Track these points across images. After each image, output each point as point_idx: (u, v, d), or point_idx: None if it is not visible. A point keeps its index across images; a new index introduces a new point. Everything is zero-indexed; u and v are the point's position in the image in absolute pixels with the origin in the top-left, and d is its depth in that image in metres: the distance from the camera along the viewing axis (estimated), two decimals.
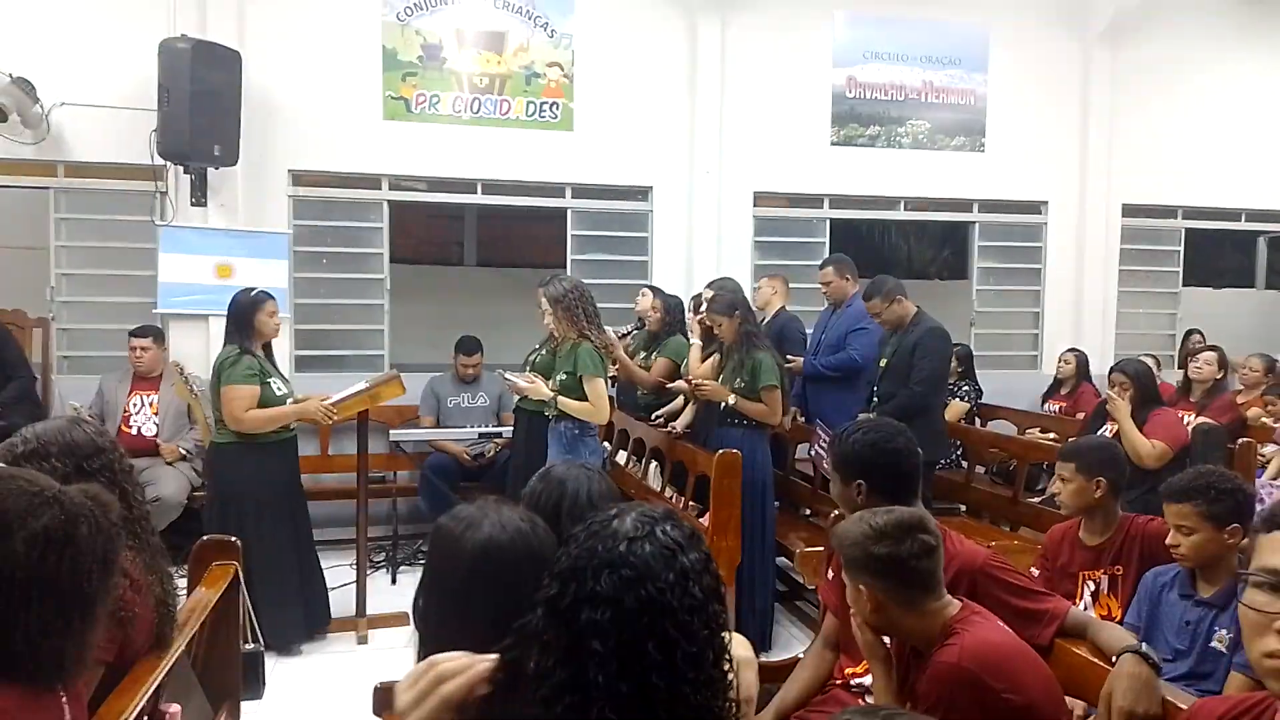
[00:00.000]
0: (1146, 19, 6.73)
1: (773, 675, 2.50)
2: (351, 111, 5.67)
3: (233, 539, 2.64)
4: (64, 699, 1.35)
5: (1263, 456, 4.61)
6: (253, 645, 2.69)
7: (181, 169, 5.23)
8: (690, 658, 1.00)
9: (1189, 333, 7.09)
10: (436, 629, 1.34)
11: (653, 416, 4.93)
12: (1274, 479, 4.45)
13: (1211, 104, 6.98)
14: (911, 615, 1.80)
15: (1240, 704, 1.28)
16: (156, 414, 5.07)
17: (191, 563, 2.59)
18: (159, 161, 5.15)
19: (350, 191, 5.87)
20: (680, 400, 4.71)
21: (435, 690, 1.04)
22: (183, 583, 2.57)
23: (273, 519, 3.91)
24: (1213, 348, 5.30)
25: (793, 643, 4.13)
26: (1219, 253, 8.93)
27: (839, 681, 2.30)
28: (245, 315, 3.96)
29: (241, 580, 2.60)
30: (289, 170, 5.66)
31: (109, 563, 1.45)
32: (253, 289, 4.05)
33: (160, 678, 1.93)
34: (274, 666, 3.79)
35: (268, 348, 4.07)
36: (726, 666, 1.07)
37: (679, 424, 4.53)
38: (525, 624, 1.08)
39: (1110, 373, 4.44)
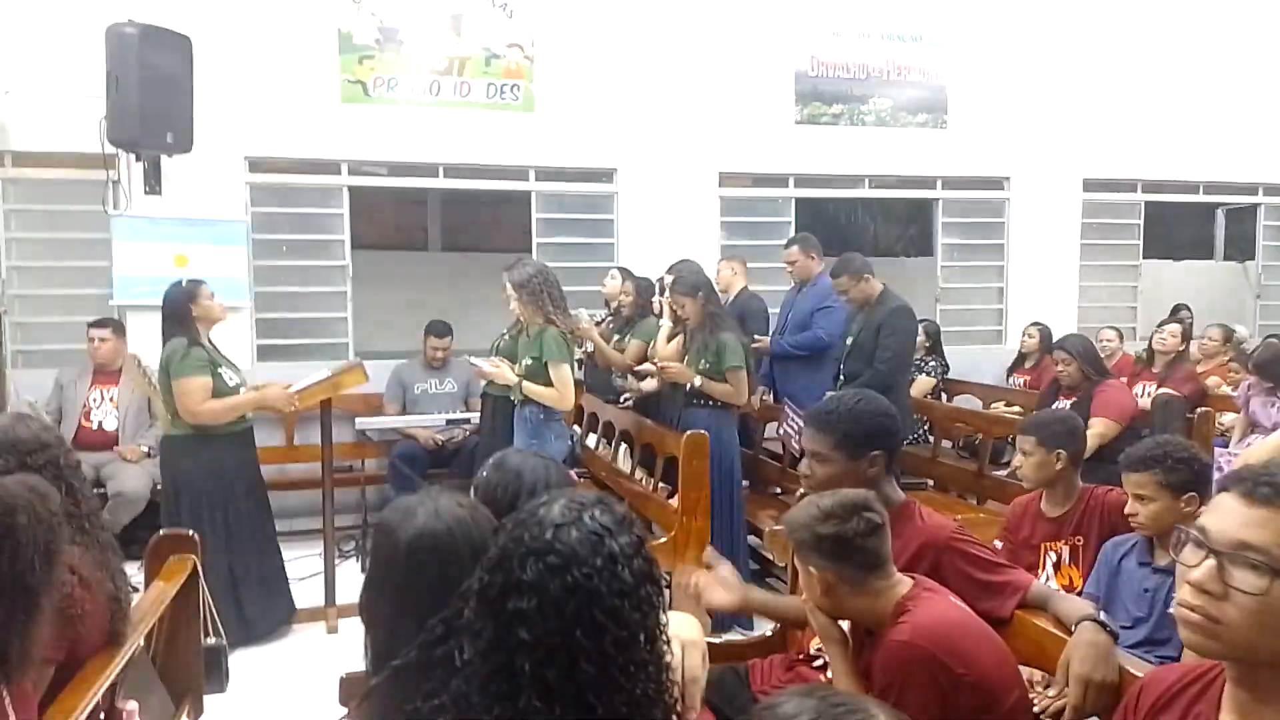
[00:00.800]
0: None
1: (742, 654, 2.51)
2: (308, 96, 5.57)
3: (190, 533, 2.60)
4: (5, 697, 1.32)
5: (1222, 425, 4.68)
6: (214, 639, 2.64)
7: (133, 157, 5.11)
8: (620, 642, 1.00)
9: (1177, 307, 7.15)
10: (380, 622, 1.33)
11: (621, 400, 4.92)
12: (1240, 443, 4.52)
13: (1168, 78, 7.04)
14: (861, 595, 1.80)
15: (1189, 673, 1.29)
16: (117, 408, 4.97)
17: (148, 557, 2.55)
18: (110, 150, 5.02)
19: (309, 177, 5.77)
20: (653, 383, 4.69)
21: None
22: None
23: (230, 512, 3.84)
24: (1177, 321, 5.38)
25: (763, 621, 4.14)
26: (1178, 225, 9.05)
27: (801, 656, 2.30)
28: (181, 308, 3.84)
29: (200, 574, 2.57)
30: (245, 157, 5.55)
31: (51, 553, 1.41)
32: (180, 280, 3.95)
33: (115, 674, 1.89)
34: (241, 658, 3.75)
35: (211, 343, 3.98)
36: (664, 649, 1.06)
37: (644, 386, 4.49)
38: (456, 614, 1.07)
39: (1053, 350, 4.48)
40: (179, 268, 5.14)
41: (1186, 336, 5.35)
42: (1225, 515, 1.12)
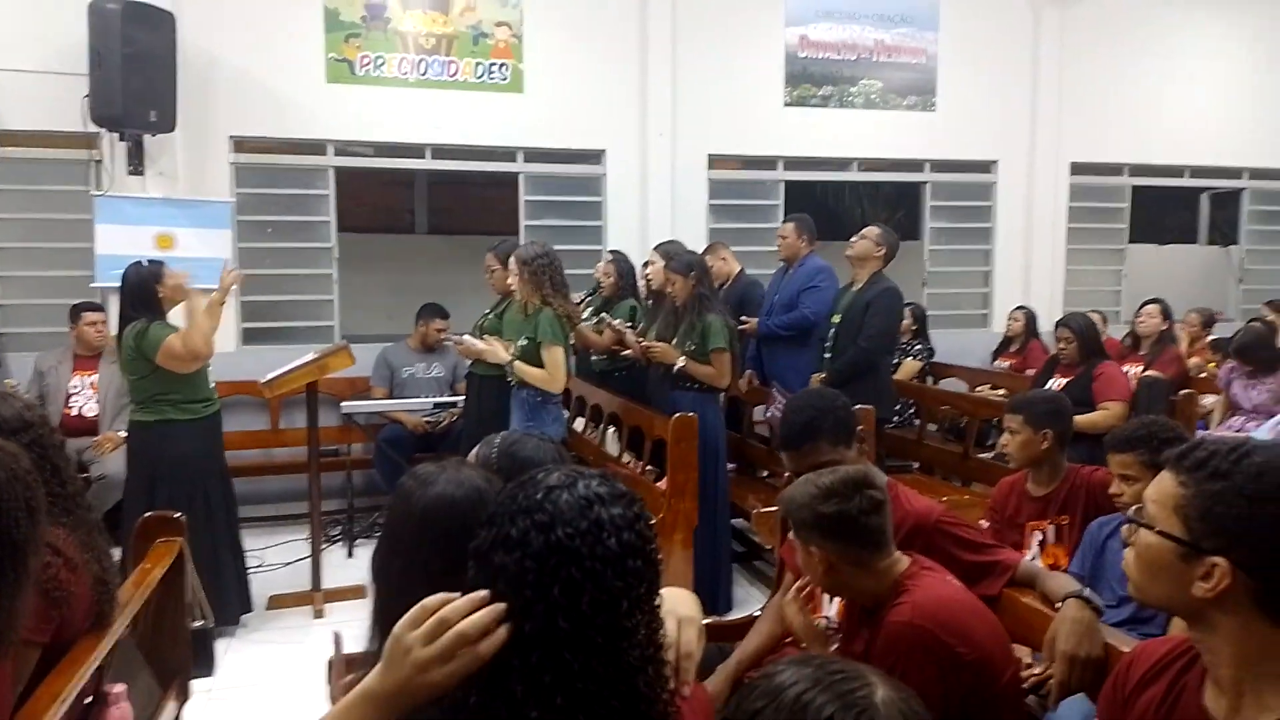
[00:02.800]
0: None
1: (730, 634, 2.52)
2: (293, 75, 5.50)
3: (177, 515, 2.58)
4: None
5: (1204, 407, 4.73)
6: (201, 622, 2.63)
7: (116, 136, 5.05)
8: (598, 604, 1.01)
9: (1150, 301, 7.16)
10: (391, 583, 1.34)
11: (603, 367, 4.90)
12: (1221, 425, 4.57)
13: (1155, 63, 7.05)
14: (863, 574, 1.81)
15: (1178, 646, 1.32)
16: (97, 393, 4.92)
17: (135, 540, 2.53)
18: (92, 129, 4.97)
19: (295, 158, 5.71)
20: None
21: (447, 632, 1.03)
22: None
23: (201, 498, 3.77)
24: (1155, 300, 5.41)
25: (750, 602, 4.17)
26: (1164, 210, 9.10)
27: (788, 640, 2.32)
28: (148, 288, 3.73)
29: (188, 556, 2.55)
30: (230, 136, 5.49)
31: (34, 510, 1.40)
32: (139, 261, 3.85)
33: (101, 657, 1.88)
34: (228, 643, 3.75)
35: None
36: (653, 620, 1.07)
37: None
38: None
39: (1055, 328, 4.52)
40: (162, 249, 5.08)
41: (1167, 317, 5.37)
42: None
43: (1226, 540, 1.12)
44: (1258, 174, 7.55)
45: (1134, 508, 1.24)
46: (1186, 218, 9.42)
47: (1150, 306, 5.37)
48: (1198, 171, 7.45)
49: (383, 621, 1.33)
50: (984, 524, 2.87)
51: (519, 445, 1.79)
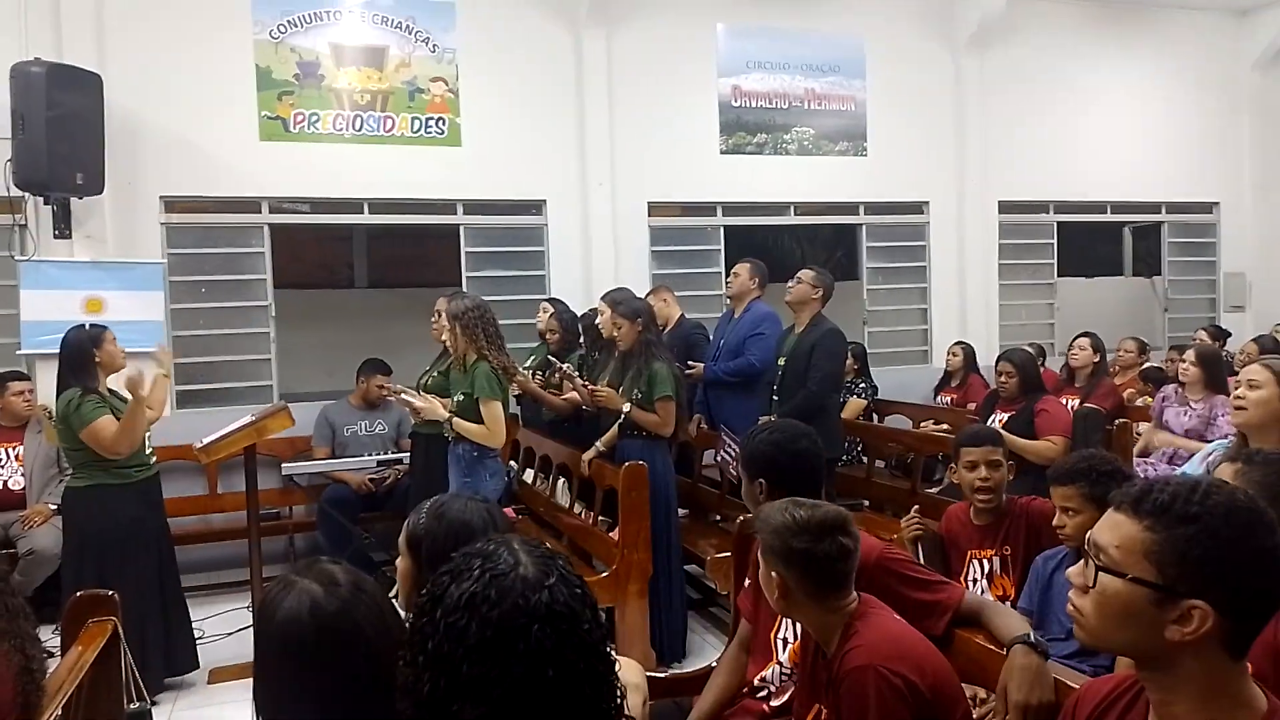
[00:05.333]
0: (1009, 28, 7.04)
1: (687, 687, 2.49)
2: (225, 133, 5.44)
3: (110, 593, 2.47)
4: None
5: (1138, 435, 4.85)
6: (138, 704, 2.51)
7: (41, 200, 4.93)
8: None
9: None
10: (267, 709, 1.31)
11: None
12: (1140, 455, 4.68)
13: (1074, 104, 7.36)
14: (815, 607, 1.83)
15: (1122, 682, 1.33)
16: (22, 465, 4.73)
17: (65, 620, 2.42)
18: (16, 193, 4.83)
19: (228, 216, 5.63)
20: (615, 430, 4.51)
21: None
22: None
23: (137, 564, 3.66)
24: (1086, 334, 5.56)
25: (707, 649, 4.13)
26: (1089, 244, 9.41)
27: (745, 689, 2.30)
28: (85, 353, 3.68)
29: (122, 636, 2.44)
30: (160, 197, 5.39)
31: None
32: (81, 325, 3.79)
33: None
34: (170, 716, 3.59)
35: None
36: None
37: (601, 443, 4.29)
38: None
39: (996, 362, 4.62)
40: (91, 313, 4.94)
41: (1098, 350, 5.49)
42: (1100, 521, 1.24)
43: (1204, 582, 1.11)
44: (1174, 208, 7.88)
45: (1096, 554, 1.20)
46: (1112, 250, 9.77)
47: (1081, 340, 5.52)
48: (1118, 207, 7.76)
49: None
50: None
51: (447, 508, 1.77)
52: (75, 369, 3.65)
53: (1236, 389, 2.67)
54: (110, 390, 3.78)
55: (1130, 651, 1.21)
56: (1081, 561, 1.24)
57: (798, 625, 2.19)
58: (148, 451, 3.83)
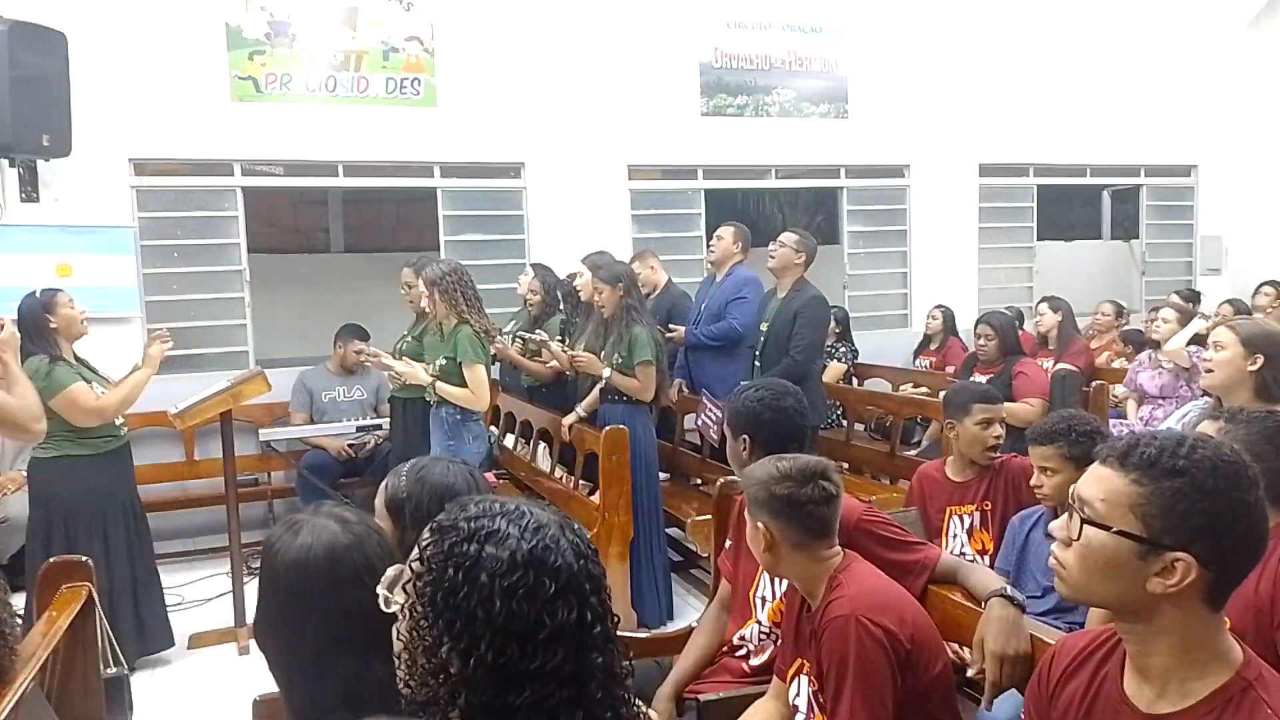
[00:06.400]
0: None
1: (668, 647, 2.50)
2: (196, 94, 5.32)
3: (84, 559, 2.45)
4: None
5: (1115, 398, 4.90)
6: (115, 669, 2.50)
7: (7, 162, 4.82)
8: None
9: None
10: (271, 649, 1.29)
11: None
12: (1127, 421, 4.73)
13: (1057, 67, 7.32)
14: (801, 558, 1.86)
15: (1098, 637, 1.35)
16: None
17: (39, 587, 2.40)
18: None
19: (200, 179, 5.52)
20: (596, 394, 4.51)
21: None
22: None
23: (107, 535, 3.60)
24: (1046, 299, 5.57)
25: (688, 610, 4.16)
26: (1068, 207, 9.46)
27: (725, 649, 2.32)
28: (38, 320, 3.55)
29: (97, 601, 2.42)
30: (130, 159, 5.27)
31: None
32: (34, 290, 3.68)
33: (4, 714, 1.77)
34: (147, 684, 3.59)
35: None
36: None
37: (581, 407, 4.31)
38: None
39: (976, 325, 4.64)
40: (61, 278, 4.85)
41: (1057, 310, 5.46)
42: (1084, 475, 1.24)
43: (1188, 535, 1.12)
44: (1153, 171, 7.90)
45: (1081, 507, 1.21)
46: (1090, 214, 9.82)
47: (1041, 305, 5.54)
48: (1098, 170, 7.77)
49: (282, 680, 1.29)
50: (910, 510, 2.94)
51: (428, 471, 1.76)
52: (33, 337, 3.54)
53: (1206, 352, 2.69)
54: (78, 357, 3.70)
55: (1111, 604, 1.22)
56: (1065, 515, 1.25)
57: (777, 584, 2.21)
58: (118, 421, 3.75)
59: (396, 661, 1.04)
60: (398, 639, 1.04)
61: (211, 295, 5.57)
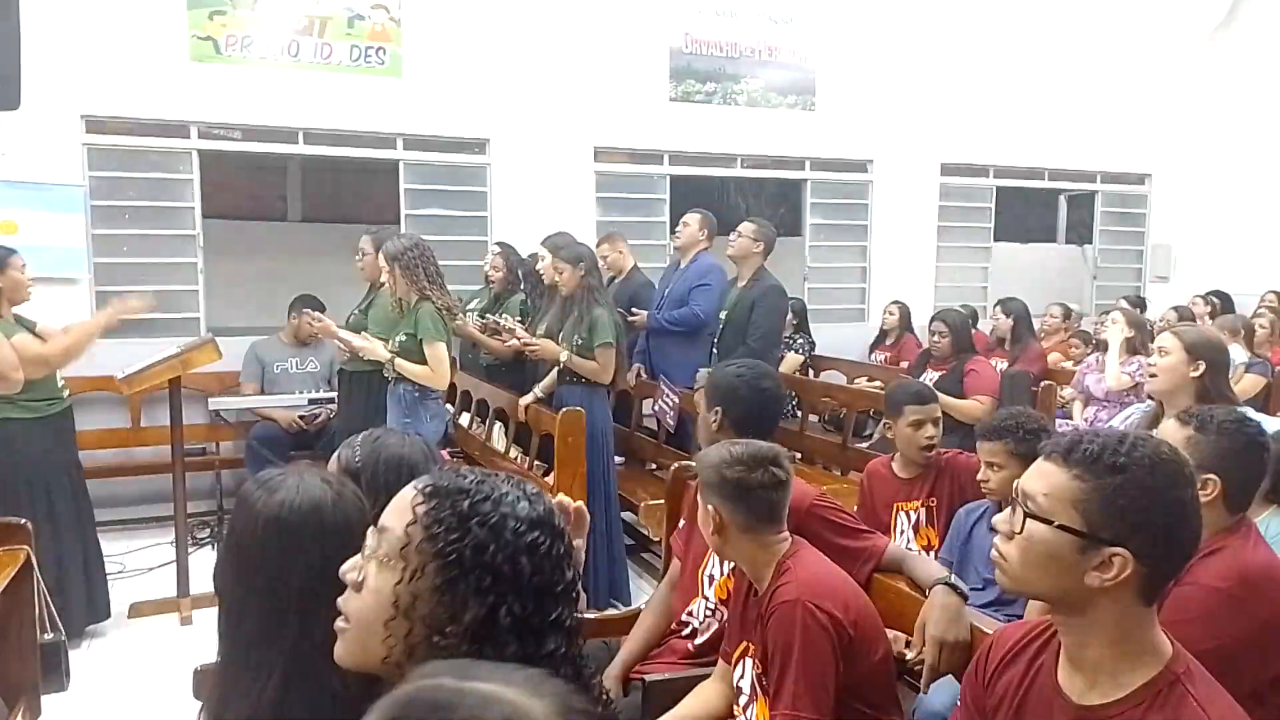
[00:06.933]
0: None
1: (615, 628, 2.52)
2: (153, 52, 5.17)
3: (22, 521, 2.40)
4: None
5: (1062, 398, 5.01)
6: (52, 635, 2.46)
7: None
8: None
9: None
10: (229, 596, 1.28)
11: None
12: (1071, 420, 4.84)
13: (1020, 71, 7.42)
14: (748, 541, 1.89)
15: (1035, 628, 1.39)
16: None
17: None
18: None
19: (155, 140, 5.38)
20: (554, 376, 4.49)
21: None
22: None
23: (51, 501, 3.52)
24: (1000, 301, 5.68)
25: (639, 594, 4.19)
26: (1026, 210, 9.60)
27: (673, 629, 2.34)
28: None
29: (35, 565, 2.38)
30: (82, 116, 5.12)
31: None
32: None
33: None
34: (86, 654, 3.52)
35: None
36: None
37: (539, 388, 4.31)
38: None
39: (930, 322, 4.71)
40: (6, 235, 4.71)
41: (1009, 314, 5.57)
42: (1028, 470, 1.28)
43: (1126, 530, 1.16)
44: (1109, 178, 8.07)
45: (1024, 501, 1.24)
46: (1047, 217, 9.99)
47: (996, 309, 5.65)
48: (1055, 174, 7.91)
49: (230, 634, 1.28)
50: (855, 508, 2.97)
51: (383, 442, 1.75)
52: None
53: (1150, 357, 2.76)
54: (19, 319, 3.58)
55: (1050, 596, 1.25)
56: (1009, 509, 1.27)
57: (726, 563, 2.23)
58: (60, 385, 3.66)
59: (370, 631, 1.02)
60: (392, 606, 1.01)
61: (164, 259, 5.44)
